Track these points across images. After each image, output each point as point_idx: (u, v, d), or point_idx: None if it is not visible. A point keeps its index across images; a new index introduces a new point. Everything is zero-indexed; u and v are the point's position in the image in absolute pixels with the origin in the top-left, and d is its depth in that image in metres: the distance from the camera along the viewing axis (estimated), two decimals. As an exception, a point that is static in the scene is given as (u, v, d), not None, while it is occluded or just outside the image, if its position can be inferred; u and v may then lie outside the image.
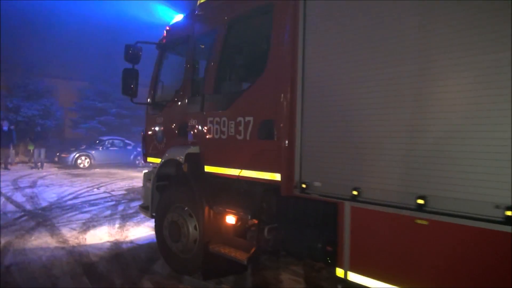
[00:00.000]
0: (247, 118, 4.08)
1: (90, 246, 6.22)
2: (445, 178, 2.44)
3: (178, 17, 5.78)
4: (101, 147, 20.60)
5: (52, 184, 13.45)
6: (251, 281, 4.87)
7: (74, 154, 19.35)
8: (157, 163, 5.93)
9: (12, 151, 18.29)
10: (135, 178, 15.85)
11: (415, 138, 2.60)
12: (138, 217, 8.40)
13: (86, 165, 19.44)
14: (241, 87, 4.34)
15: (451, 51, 2.45)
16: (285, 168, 3.57)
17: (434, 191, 2.50)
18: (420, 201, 2.56)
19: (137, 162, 21.37)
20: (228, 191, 4.63)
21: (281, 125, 3.68)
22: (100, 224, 7.68)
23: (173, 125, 5.48)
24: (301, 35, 3.40)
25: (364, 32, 2.93)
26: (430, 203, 2.52)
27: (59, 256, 5.68)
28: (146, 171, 6.26)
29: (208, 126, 4.65)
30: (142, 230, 7.31)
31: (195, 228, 4.82)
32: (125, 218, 8.33)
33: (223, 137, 4.41)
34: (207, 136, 4.66)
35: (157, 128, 5.83)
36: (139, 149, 21.78)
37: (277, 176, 3.78)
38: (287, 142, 3.58)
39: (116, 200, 10.49)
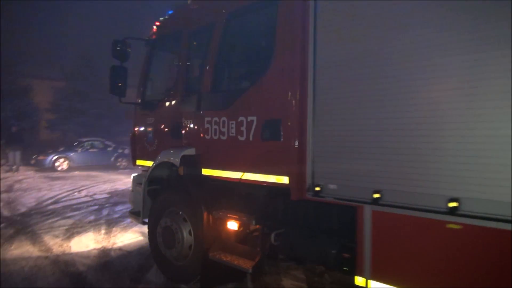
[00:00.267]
0: (249, 118, 3.84)
1: (76, 254, 5.85)
2: (482, 179, 2.27)
3: (169, 12, 5.48)
4: (80, 149, 19.94)
5: (30, 188, 12.85)
6: (252, 288, 4.65)
7: (52, 156, 18.64)
8: (147, 166, 5.64)
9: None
10: (117, 181, 15.36)
11: (447, 137, 2.43)
12: (125, 222, 8.04)
13: (65, 167, 18.76)
14: (242, 85, 4.09)
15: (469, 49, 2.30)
16: (295, 171, 3.35)
17: (468, 193, 2.33)
18: (453, 204, 2.38)
19: (117, 164, 20.80)
20: (228, 195, 4.38)
21: (289, 125, 3.46)
22: (85, 230, 7.28)
23: (165, 125, 5.19)
24: (311, 32, 3.19)
25: (378, 28, 2.78)
26: (464, 206, 2.35)
27: (43, 266, 5.30)
28: (135, 174, 5.94)
29: (205, 127, 4.39)
30: (130, 236, 6.96)
31: (189, 233, 4.56)
32: (111, 223, 7.94)
33: (223, 138, 4.16)
34: (205, 137, 4.40)
35: (147, 129, 5.52)
36: (119, 151, 21.24)
37: (284, 179, 3.56)
38: (296, 142, 3.36)
39: (99, 204, 10.05)
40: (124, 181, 15.46)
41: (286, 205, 3.72)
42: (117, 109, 27.26)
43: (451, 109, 2.43)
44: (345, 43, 2.99)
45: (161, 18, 5.50)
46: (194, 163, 4.55)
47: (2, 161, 18.97)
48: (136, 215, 5.53)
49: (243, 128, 3.91)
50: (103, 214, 8.87)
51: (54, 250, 6.01)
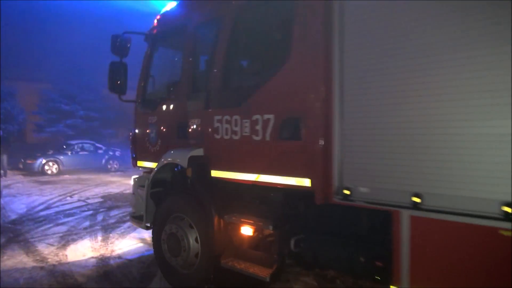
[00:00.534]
0: (266, 116, 3.58)
1: (73, 264, 5.51)
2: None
3: (171, 5, 5.18)
4: (70, 152, 19.39)
5: (20, 193, 12.36)
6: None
7: (41, 160, 18.08)
8: (149, 168, 5.34)
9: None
10: (110, 184, 14.93)
11: (503, 135, 2.20)
12: (122, 228, 7.70)
13: (54, 171, 18.21)
14: (257, 82, 3.82)
15: None
16: (319, 172, 3.10)
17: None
18: (507, 209, 2.15)
19: (109, 166, 20.32)
20: (241, 198, 4.12)
21: (311, 123, 3.21)
22: (81, 238, 6.92)
23: (169, 124, 4.89)
24: (337, 28, 2.95)
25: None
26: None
27: (39, 278, 4.96)
28: (136, 176, 5.62)
29: (215, 126, 4.10)
30: (129, 243, 6.63)
31: (196, 240, 4.28)
32: (107, 229, 7.59)
33: (235, 137, 3.88)
34: (214, 137, 4.12)
35: (149, 129, 5.21)
36: (110, 153, 20.76)
37: (305, 182, 3.30)
38: (320, 142, 3.11)
39: (93, 209, 9.67)
40: (117, 184, 15.06)
41: (307, 209, 3.46)
42: (106, 111, 26.81)
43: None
44: (374, 36, 2.77)
45: (162, 12, 5.20)
46: (202, 165, 4.27)
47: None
48: (139, 220, 5.21)
49: (259, 127, 3.64)
50: (98, 219, 8.51)
51: (49, 259, 5.65)
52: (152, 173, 4.81)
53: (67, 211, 9.37)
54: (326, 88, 3.08)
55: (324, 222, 3.31)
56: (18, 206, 9.94)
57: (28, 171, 18.06)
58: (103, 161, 20.21)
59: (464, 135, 2.36)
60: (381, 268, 2.87)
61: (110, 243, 6.57)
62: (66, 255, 5.87)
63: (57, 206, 10.04)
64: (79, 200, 11.03)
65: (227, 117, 3.96)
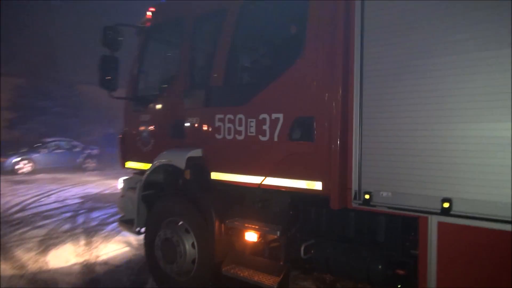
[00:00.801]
0: (274, 115, 3.38)
1: (56, 271, 5.15)
2: None
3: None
4: (45, 150, 18.58)
5: (-9, 194, 11.71)
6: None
7: (13, 158, 17.22)
8: (140, 169, 5.04)
9: None
10: (88, 184, 14.38)
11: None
12: (105, 231, 7.35)
13: (28, 170, 17.39)
14: (264, 79, 3.62)
15: None
16: (336, 176, 2.93)
17: None
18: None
19: (86, 165, 19.62)
20: (243, 202, 3.90)
21: (327, 123, 3.03)
22: (62, 242, 6.52)
23: (163, 123, 4.62)
24: (357, 24, 2.79)
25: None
26: None
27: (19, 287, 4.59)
28: (124, 177, 5.30)
29: (216, 125, 3.87)
30: (114, 247, 6.30)
31: (192, 246, 4.05)
32: (90, 232, 7.21)
33: (239, 138, 3.67)
34: (215, 137, 3.89)
35: (141, 128, 4.91)
36: (88, 152, 20.06)
37: (316, 185, 3.13)
38: (338, 144, 2.93)
39: (72, 211, 9.22)
40: (96, 183, 14.54)
41: (317, 213, 3.28)
42: (83, 107, 25.93)
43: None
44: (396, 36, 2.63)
45: (157, 4, 4.91)
46: (202, 166, 4.03)
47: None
48: (128, 224, 4.91)
49: (266, 127, 3.44)
50: (79, 222, 8.10)
51: (29, 267, 5.27)
52: (145, 175, 4.52)
53: (45, 213, 8.89)
54: (343, 87, 2.91)
55: (336, 227, 3.14)
56: (-10, 208, 9.38)
57: (-1, 170, 17.21)
58: (80, 160, 19.50)
59: (497, 138, 2.24)
60: (404, 277, 2.73)
61: (94, 248, 6.21)
62: (47, 262, 5.49)
63: (33, 208, 9.52)
64: (56, 201, 10.52)
65: (230, 116, 3.74)
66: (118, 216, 8.58)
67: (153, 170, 4.48)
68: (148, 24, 4.94)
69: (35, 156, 17.93)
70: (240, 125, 3.65)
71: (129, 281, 4.88)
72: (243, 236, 3.70)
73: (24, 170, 17.31)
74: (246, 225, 3.65)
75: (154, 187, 4.73)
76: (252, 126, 3.55)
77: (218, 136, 3.87)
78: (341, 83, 2.91)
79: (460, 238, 2.38)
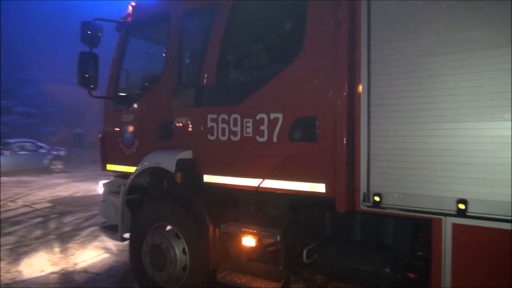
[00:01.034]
0: (273, 115, 3.25)
1: (31, 282, 4.81)
2: None
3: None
4: (8, 152, 17.59)
5: (-51, 199, 10.93)
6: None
7: (-29, 160, 16.23)
8: (122, 172, 4.78)
9: None
10: (56, 187, 13.74)
11: None
12: (80, 236, 6.98)
13: (-10, 173, 16.41)
14: (261, 77, 3.48)
15: None
16: (342, 177, 2.83)
17: None
18: None
19: (52, 167, 18.78)
20: (238, 206, 3.75)
21: (330, 123, 2.94)
22: (34, 250, 6.13)
23: (149, 124, 4.38)
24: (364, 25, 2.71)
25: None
26: None
27: (-8, 301, 4.25)
28: (105, 181, 5.01)
29: (208, 126, 3.70)
30: (92, 253, 5.98)
31: (183, 252, 3.86)
32: (64, 238, 6.83)
33: (234, 139, 3.51)
34: (208, 138, 3.71)
35: (123, 128, 4.65)
36: (54, 153, 19.22)
37: (319, 187, 3.03)
38: (343, 144, 2.84)
39: (42, 216, 8.73)
40: (64, 186, 13.92)
41: (321, 216, 3.18)
42: (47, 107, 24.84)
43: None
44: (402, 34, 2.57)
45: (136, -1, 4.65)
46: (193, 169, 3.84)
47: None
48: (111, 230, 4.64)
49: (264, 127, 3.30)
50: (51, 227, 7.66)
51: (1, 278, 4.89)
52: (130, 178, 4.28)
53: (12, 219, 8.37)
54: (349, 85, 2.82)
55: (340, 230, 3.05)
56: (-49, 215, 8.72)
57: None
58: (46, 161, 18.63)
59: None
60: (415, 281, 2.67)
61: (71, 255, 5.87)
62: (21, 272, 5.13)
63: (-1, 213, 8.96)
64: (24, 206, 9.95)
65: (224, 116, 3.58)
66: (93, 220, 8.36)
67: (139, 173, 4.24)
68: (130, 19, 4.68)
69: (-3, 158, 16.98)
70: (235, 125, 3.50)
71: (112, 290, 4.63)
72: (240, 241, 3.55)
73: (-15, 173, 16.33)
74: (243, 229, 3.50)
75: (138, 191, 4.50)
76: (248, 127, 3.40)
77: (210, 137, 3.69)
78: (347, 82, 2.82)
79: (475, 239, 2.34)
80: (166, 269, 3.91)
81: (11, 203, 10.27)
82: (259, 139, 3.34)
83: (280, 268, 3.39)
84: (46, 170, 18.31)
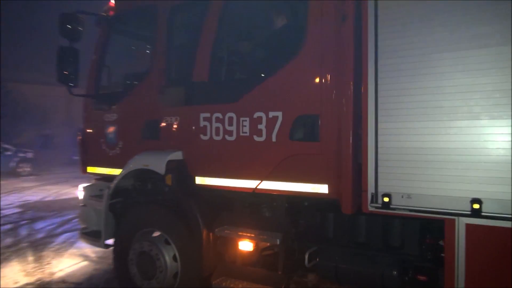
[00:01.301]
0: (272, 114, 3.11)
1: (5, 294, 4.47)
2: None
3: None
4: (-31, 154, 16.63)
5: None
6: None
7: None
8: (105, 174, 4.51)
9: None
10: (25, 190, 13.08)
11: None
12: (55, 243, 6.61)
13: (-50, 177, 15.44)
14: (258, 73, 3.33)
15: None
16: (348, 178, 2.73)
17: None
18: None
19: (19, 170, 17.89)
20: (232, 209, 3.59)
21: (334, 122, 2.83)
22: (6, 259, 5.71)
23: (134, 123, 4.14)
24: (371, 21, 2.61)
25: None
26: None
27: (-38, 318, 3.89)
28: (85, 184, 4.72)
29: (201, 125, 3.51)
30: (70, 262, 5.65)
31: (174, 258, 3.67)
32: (37, 246, 6.43)
33: (230, 138, 3.35)
34: (200, 138, 3.52)
35: (106, 128, 4.38)
36: (21, 155, 18.36)
37: (321, 188, 2.91)
38: (349, 143, 2.74)
39: (12, 222, 8.23)
40: (33, 190, 13.28)
41: (322, 218, 3.07)
42: (11, 106, 23.68)
43: None
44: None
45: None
46: (184, 170, 3.65)
47: None
48: (93, 237, 4.36)
49: (262, 126, 3.16)
50: (22, 234, 7.23)
51: (-29, 291, 4.52)
52: (115, 181, 4.03)
53: (-21, 226, 7.84)
54: (355, 83, 2.71)
55: (343, 232, 2.95)
56: None
57: None
58: (13, 164, 17.72)
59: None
60: (425, 283, 2.60)
61: (46, 264, 5.52)
62: (-7, 284, 4.76)
63: (-37, 221, 8.37)
64: (-10, 212, 9.37)
65: (218, 114, 3.40)
66: (67, 226, 7.95)
67: (124, 176, 4.00)
68: (112, 13, 4.42)
69: (-42, 161, 16.01)
70: (230, 124, 3.33)
71: (95, 300, 4.36)
72: (236, 245, 3.39)
73: None
74: (239, 233, 3.34)
75: (121, 195, 4.25)
76: (245, 126, 3.25)
77: (203, 137, 3.51)
78: (352, 79, 2.72)
79: (490, 240, 2.29)
80: (156, 277, 3.71)
81: (-25, 210, 9.64)
82: (256, 138, 3.19)
83: (279, 273, 3.25)
84: (12, 173, 17.42)
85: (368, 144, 2.61)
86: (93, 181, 4.76)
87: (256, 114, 3.18)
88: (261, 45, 3.44)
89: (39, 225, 7.95)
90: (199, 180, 3.59)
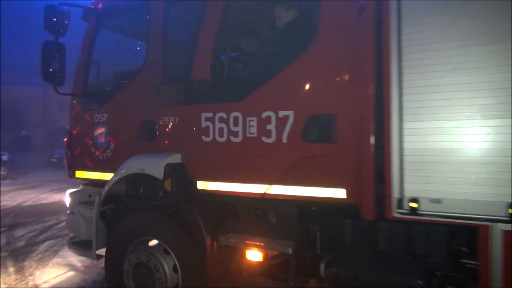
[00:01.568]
0: (282, 113, 2.89)
1: (-14, 311, 4.11)
2: None
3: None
4: None
5: None
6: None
7: None
8: (95, 179, 4.20)
9: None
10: (2, 195, 12.35)
11: None
12: (37, 252, 6.22)
13: None
14: (266, 69, 3.10)
15: None
16: (369, 181, 2.53)
17: None
18: None
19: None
20: (237, 214, 3.36)
21: (353, 121, 2.63)
22: (-16, 271, 5.32)
23: (127, 124, 3.86)
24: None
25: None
26: None
27: None
28: (72, 190, 4.39)
29: (203, 125, 3.27)
30: (55, 272, 5.30)
31: (174, 269, 3.41)
32: (18, 255, 6.03)
33: (235, 140, 3.11)
34: (202, 140, 3.28)
35: (96, 130, 4.07)
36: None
37: (338, 193, 2.72)
38: (369, 144, 2.53)
39: (-11, 230, 7.74)
40: (10, 195, 12.64)
41: (339, 224, 2.86)
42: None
43: None
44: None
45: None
46: (184, 174, 3.39)
47: None
48: (83, 247, 4.05)
49: (271, 127, 2.93)
50: (1, 243, 6.77)
51: None
52: (107, 187, 3.73)
53: (-48, 235, 7.33)
54: (377, 80, 2.52)
55: (363, 240, 2.75)
56: None
57: None
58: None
59: None
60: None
61: (29, 275, 5.15)
62: (-29, 299, 4.39)
63: None
64: (-35, 219, 8.81)
65: (222, 114, 3.16)
66: (49, 233, 7.53)
67: (117, 181, 3.70)
68: (101, 5, 4.11)
69: None
70: (235, 125, 3.10)
71: (86, 315, 4.05)
72: (243, 255, 3.15)
73: None
74: (247, 241, 3.11)
75: (114, 201, 3.95)
76: (252, 126, 3.02)
77: (205, 139, 3.26)
78: (373, 75, 2.52)
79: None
80: (155, 290, 3.44)
81: None
82: (265, 140, 2.97)
83: (290, 283, 3.04)
84: (-17, 177, 16.64)
85: (392, 145, 2.43)
86: (81, 187, 4.44)
87: (265, 114, 2.95)
88: (270, 37, 3.21)
89: (19, 232, 7.50)
90: (201, 185, 3.34)
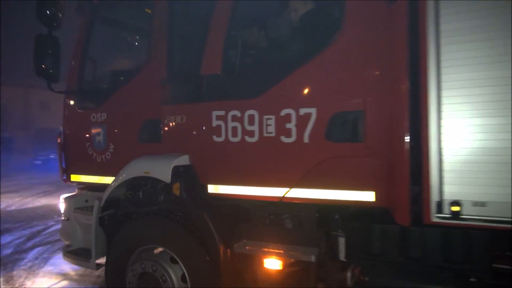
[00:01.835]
0: (303, 110, 2.68)
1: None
2: None
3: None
4: None
5: None
6: None
7: None
8: (93, 183, 3.92)
9: None
10: (-18, 200, 11.90)
11: None
12: (26, 260, 5.89)
13: None
14: (285, 63, 2.88)
15: None
16: (404, 184, 2.34)
17: None
18: None
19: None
20: (251, 220, 3.14)
21: (383, 119, 2.44)
22: (-30, 282, 4.97)
23: (128, 124, 3.60)
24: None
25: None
26: None
27: None
28: (67, 195, 4.10)
29: (214, 124, 3.03)
30: (48, 282, 4.99)
31: (182, 279, 3.18)
32: (6, 264, 5.68)
33: (250, 140, 2.89)
34: (213, 140, 3.05)
35: (93, 130, 3.79)
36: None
37: (365, 196, 2.53)
38: (403, 144, 2.34)
39: (-28, 237, 7.33)
40: (-8, 199, 12.12)
41: (366, 229, 2.66)
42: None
43: None
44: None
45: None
46: (192, 177, 3.16)
47: None
48: (80, 256, 3.77)
49: (291, 125, 2.72)
50: (-13, 251, 6.40)
51: None
52: (108, 191, 3.46)
53: None
54: (411, 75, 2.33)
55: (394, 246, 2.56)
56: None
57: None
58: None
59: None
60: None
61: (19, 285, 4.82)
62: (-43, 314, 4.06)
63: None
64: None
65: (236, 112, 2.94)
66: (38, 239, 7.17)
67: (119, 185, 3.44)
68: (97, -2, 3.83)
69: None
70: (251, 123, 2.87)
71: (84, 329, 3.77)
72: (260, 263, 2.94)
73: None
74: (264, 249, 2.89)
75: (114, 207, 3.69)
76: (270, 125, 2.80)
77: (217, 139, 3.03)
78: (407, 68, 2.33)
79: None
80: (163, 301, 3.19)
81: None
82: (284, 139, 2.75)
83: (311, 293, 2.84)
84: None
85: (430, 145, 2.24)
86: (76, 191, 4.15)
87: (284, 111, 2.74)
88: (290, 27, 3.00)
89: (6, 238, 7.11)
90: (212, 189, 3.11)
